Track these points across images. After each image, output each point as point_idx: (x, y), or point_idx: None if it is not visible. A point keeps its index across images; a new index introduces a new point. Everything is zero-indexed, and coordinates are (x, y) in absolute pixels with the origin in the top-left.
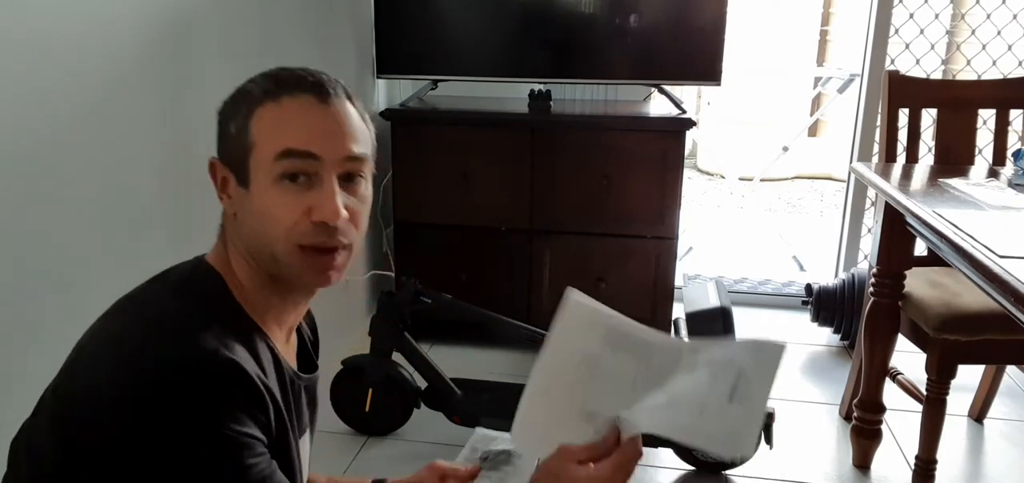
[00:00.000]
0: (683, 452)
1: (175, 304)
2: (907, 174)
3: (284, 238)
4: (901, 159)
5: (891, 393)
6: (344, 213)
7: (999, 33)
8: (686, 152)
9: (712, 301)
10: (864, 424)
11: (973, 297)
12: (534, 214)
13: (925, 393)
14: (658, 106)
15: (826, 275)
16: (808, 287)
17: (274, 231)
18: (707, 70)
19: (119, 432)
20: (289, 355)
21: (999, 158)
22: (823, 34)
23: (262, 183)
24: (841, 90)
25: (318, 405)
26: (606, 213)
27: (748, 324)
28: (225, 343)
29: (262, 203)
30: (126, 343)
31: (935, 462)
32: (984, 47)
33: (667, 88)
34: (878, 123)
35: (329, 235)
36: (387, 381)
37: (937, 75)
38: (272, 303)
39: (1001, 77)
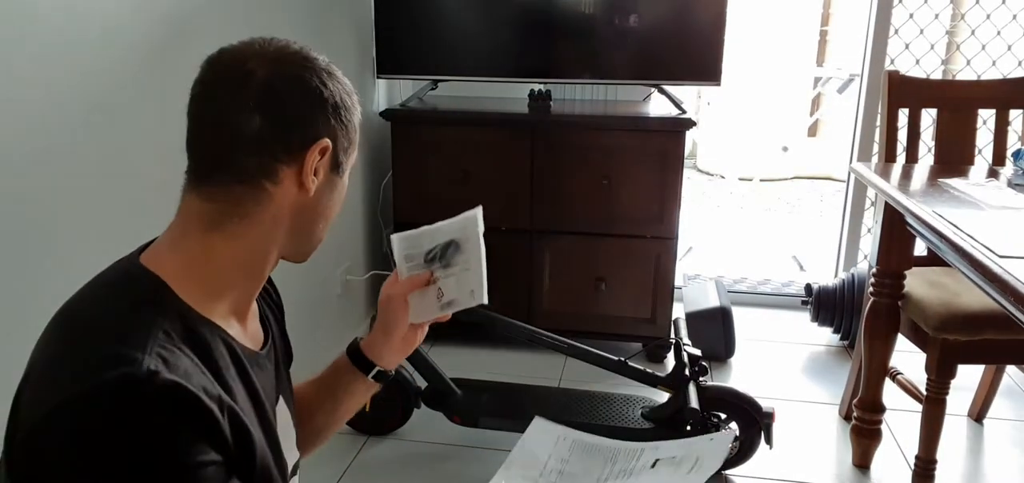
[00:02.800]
0: None
1: (111, 319)
2: (907, 174)
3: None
4: (901, 159)
5: (891, 393)
6: None
7: (999, 33)
8: (686, 152)
9: (712, 301)
10: (864, 424)
11: (973, 297)
12: (534, 214)
13: (925, 393)
14: (658, 106)
15: (826, 275)
16: (808, 287)
17: (334, 216)
18: (707, 70)
19: (65, 475)
20: (249, 330)
21: (999, 158)
22: (823, 34)
23: (347, 174)
24: (841, 90)
25: (291, 358)
26: (606, 213)
27: (748, 324)
28: (166, 359)
29: (341, 191)
30: (65, 373)
31: (935, 462)
32: (984, 47)
33: (667, 88)
34: (878, 123)
35: None
36: (387, 381)
37: (937, 75)
38: (246, 286)
39: (1001, 77)
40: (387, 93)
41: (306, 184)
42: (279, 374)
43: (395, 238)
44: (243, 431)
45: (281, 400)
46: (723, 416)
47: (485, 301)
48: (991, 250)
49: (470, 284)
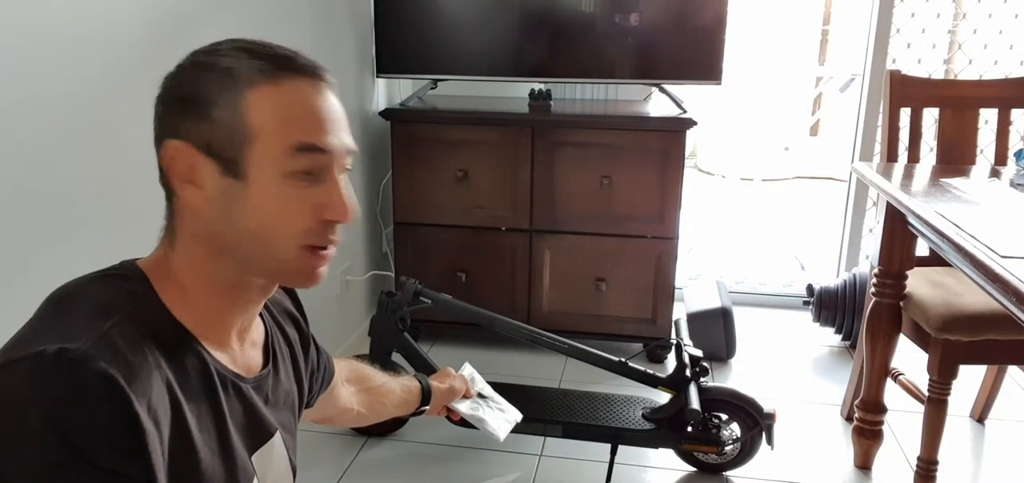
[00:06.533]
0: (683, 453)
1: (85, 303)
2: (908, 174)
3: (292, 238)
4: (903, 159)
5: (892, 393)
6: (358, 210)
7: (1001, 32)
8: (687, 152)
9: (713, 301)
10: (865, 425)
11: (975, 297)
12: (534, 214)
13: (927, 393)
14: (658, 106)
15: (827, 275)
16: (809, 287)
17: (283, 230)
18: (707, 70)
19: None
20: (241, 357)
21: (1001, 158)
22: (824, 34)
23: (267, 178)
24: (842, 90)
25: (294, 390)
26: (606, 213)
27: (749, 324)
28: (115, 347)
29: (267, 200)
30: (27, 339)
31: (936, 463)
32: (986, 46)
33: (667, 87)
34: (879, 123)
35: (334, 234)
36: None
37: (939, 75)
38: (219, 307)
39: (1003, 76)
40: (387, 93)
41: (185, 195)
42: (278, 408)
43: (471, 367)
44: (186, 446)
45: (278, 435)
46: (724, 417)
47: (500, 440)
48: (993, 250)
49: (498, 424)
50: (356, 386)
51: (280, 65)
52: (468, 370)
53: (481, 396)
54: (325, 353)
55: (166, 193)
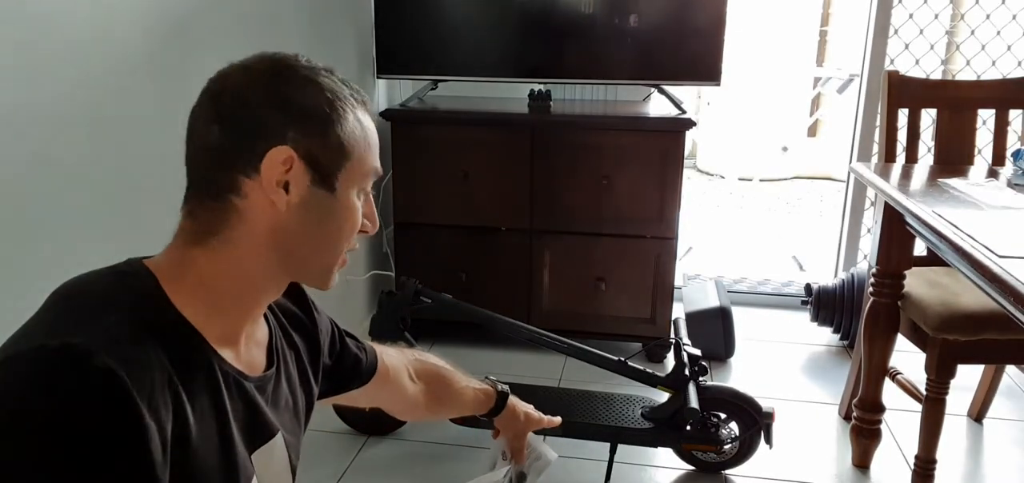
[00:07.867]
0: (682, 452)
1: (90, 298)
2: (906, 174)
3: (345, 246)
4: (901, 159)
5: (890, 393)
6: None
7: (998, 33)
8: (686, 152)
9: (712, 301)
10: (864, 424)
11: (972, 297)
12: (534, 214)
13: (924, 393)
14: (658, 106)
15: (826, 275)
16: (808, 287)
17: (344, 239)
18: (707, 70)
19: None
20: (243, 355)
21: (998, 158)
22: (822, 34)
23: (346, 192)
24: (841, 90)
25: (299, 395)
26: (606, 213)
27: (747, 324)
28: (116, 342)
29: (345, 213)
30: (31, 333)
31: (934, 462)
32: (983, 47)
33: (667, 88)
34: (878, 123)
35: (357, 243)
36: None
37: (936, 75)
38: (239, 307)
39: (1000, 77)
40: (387, 93)
41: (273, 199)
42: (279, 409)
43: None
44: (186, 442)
45: (280, 436)
46: (723, 416)
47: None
48: (991, 250)
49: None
50: (427, 385)
51: (358, 94)
52: (544, 451)
53: (522, 476)
54: (355, 350)
55: (219, 192)
